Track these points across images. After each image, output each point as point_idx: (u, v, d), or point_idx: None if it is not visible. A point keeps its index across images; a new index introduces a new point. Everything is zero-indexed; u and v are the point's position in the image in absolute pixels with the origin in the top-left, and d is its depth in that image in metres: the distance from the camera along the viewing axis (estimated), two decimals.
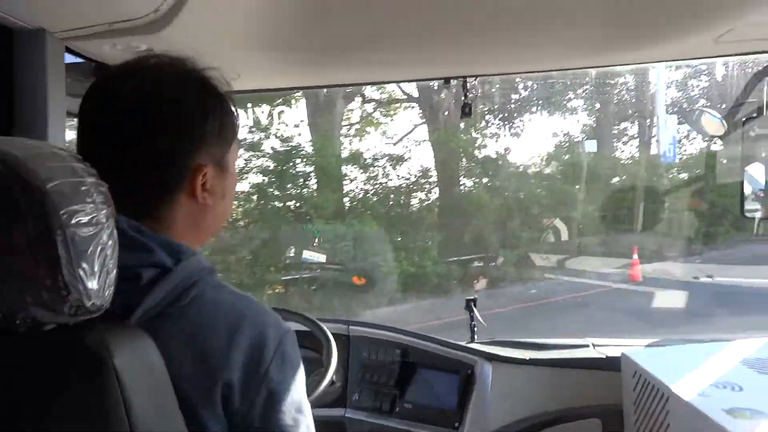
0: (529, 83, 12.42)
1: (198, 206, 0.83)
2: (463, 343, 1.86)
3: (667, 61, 1.76)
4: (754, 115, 1.92)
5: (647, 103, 13.37)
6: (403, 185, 11.88)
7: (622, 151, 14.41)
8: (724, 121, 2.10)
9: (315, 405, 0.89)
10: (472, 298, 1.99)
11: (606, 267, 10.60)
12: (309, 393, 0.91)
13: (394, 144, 12.51)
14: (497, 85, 11.52)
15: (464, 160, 12.34)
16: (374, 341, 1.91)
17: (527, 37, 1.48)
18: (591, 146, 12.96)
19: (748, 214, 1.94)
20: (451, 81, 1.82)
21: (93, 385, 0.64)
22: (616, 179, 12.79)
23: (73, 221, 0.62)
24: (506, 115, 12.76)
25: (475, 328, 1.96)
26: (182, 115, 0.81)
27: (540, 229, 11.67)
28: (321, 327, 1.57)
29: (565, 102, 13.07)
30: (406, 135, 12.62)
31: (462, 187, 12.27)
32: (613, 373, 1.63)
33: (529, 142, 12.43)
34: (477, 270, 10.41)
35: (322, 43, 1.44)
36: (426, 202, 12.11)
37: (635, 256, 9.86)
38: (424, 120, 12.64)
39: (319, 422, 0.85)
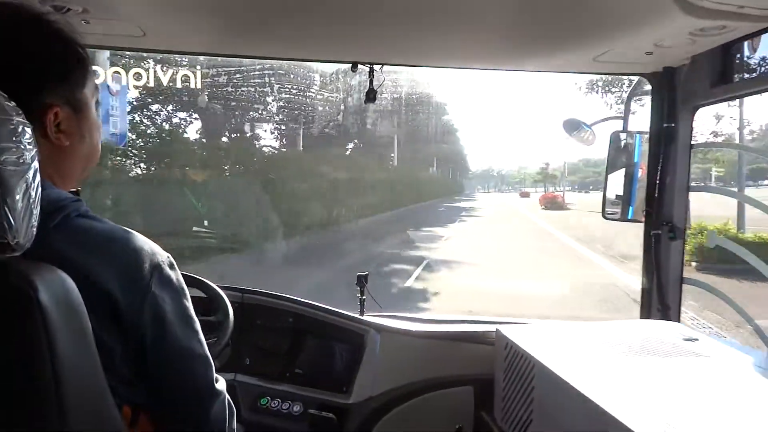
0: None
1: (56, 148, 0.86)
2: (354, 315, 1.95)
3: (554, 71, 1.96)
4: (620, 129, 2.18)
5: None
6: None
7: None
8: (592, 131, 2.35)
9: None
10: (364, 274, 2.08)
11: None
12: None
13: None
14: None
15: None
16: (268, 309, 1.94)
17: (433, 35, 1.60)
18: None
19: (608, 216, 2.19)
20: (358, 66, 1.89)
21: (18, 320, 0.65)
22: None
23: (1, 158, 0.62)
24: None
25: (365, 302, 2.06)
26: (21, 56, 0.82)
27: None
28: (216, 290, 1.57)
29: None
30: None
31: None
32: (486, 346, 1.81)
33: None
34: None
35: (230, 10, 1.45)
36: None
37: None
38: None
39: None
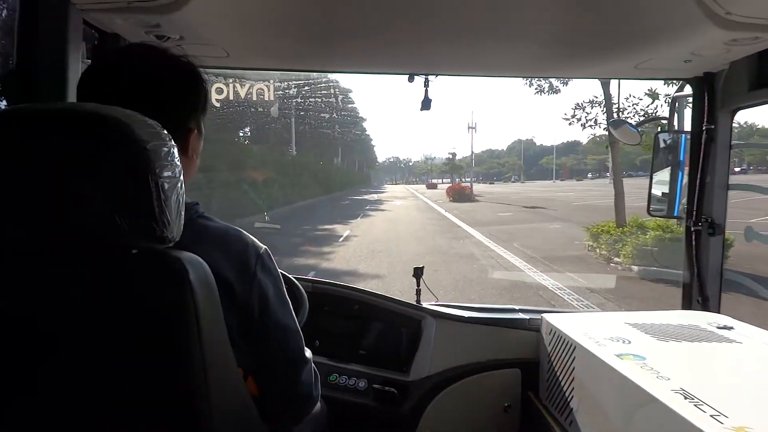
0: None
1: (187, 162, 1.07)
2: (412, 302, 2.14)
3: (600, 78, 2.10)
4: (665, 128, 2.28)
5: None
6: None
7: None
8: (638, 131, 2.45)
9: None
10: (419, 266, 2.26)
11: None
12: None
13: None
14: None
15: None
16: (335, 297, 2.15)
17: (485, 48, 1.75)
18: None
19: (653, 213, 2.29)
20: (414, 77, 2.06)
21: (176, 295, 0.84)
22: None
23: (163, 174, 0.83)
24: None
25: (420, 293, 2.23)
26: (177, 94, 1.05)
27: None
28: (292, 280, 1.77)
29: None
30: None
31: None
32: (532, 333, 1.97)
33: None
34: None
35: (302, 31, 1.64)
36: None
37: None
38: None
39: None
